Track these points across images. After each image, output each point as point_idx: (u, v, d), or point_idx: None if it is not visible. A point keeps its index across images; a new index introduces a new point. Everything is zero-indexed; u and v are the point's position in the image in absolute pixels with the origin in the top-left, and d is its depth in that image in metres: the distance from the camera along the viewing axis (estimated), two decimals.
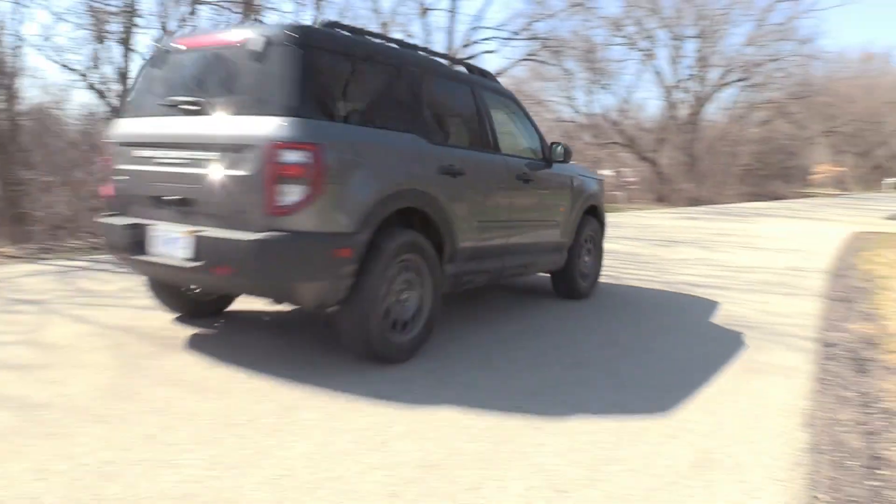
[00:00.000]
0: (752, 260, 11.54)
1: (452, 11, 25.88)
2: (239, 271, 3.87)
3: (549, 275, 7.23)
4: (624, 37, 36.01)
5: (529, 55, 28.12)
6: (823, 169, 64.40)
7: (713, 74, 38.98)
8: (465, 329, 5.86)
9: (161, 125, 4.28)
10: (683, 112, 38.61)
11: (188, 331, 5.24)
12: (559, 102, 38.05)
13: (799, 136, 50.33)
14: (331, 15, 23.15)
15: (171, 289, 5.20)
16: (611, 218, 21.67)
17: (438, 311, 4.90)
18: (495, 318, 6.43)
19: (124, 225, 4.35)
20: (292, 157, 3.72)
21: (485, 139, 5.56)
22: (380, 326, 4.32)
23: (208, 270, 3.95)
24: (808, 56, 41.00)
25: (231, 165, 3.87)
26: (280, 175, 3.73)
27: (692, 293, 8.15)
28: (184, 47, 4.42)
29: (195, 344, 4.93)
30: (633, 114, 41.42)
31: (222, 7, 14.39)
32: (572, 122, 37.92)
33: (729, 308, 7.28)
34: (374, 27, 23.38)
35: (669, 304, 7.61)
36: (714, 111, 44.11)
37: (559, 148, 6.41)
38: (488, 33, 30.30)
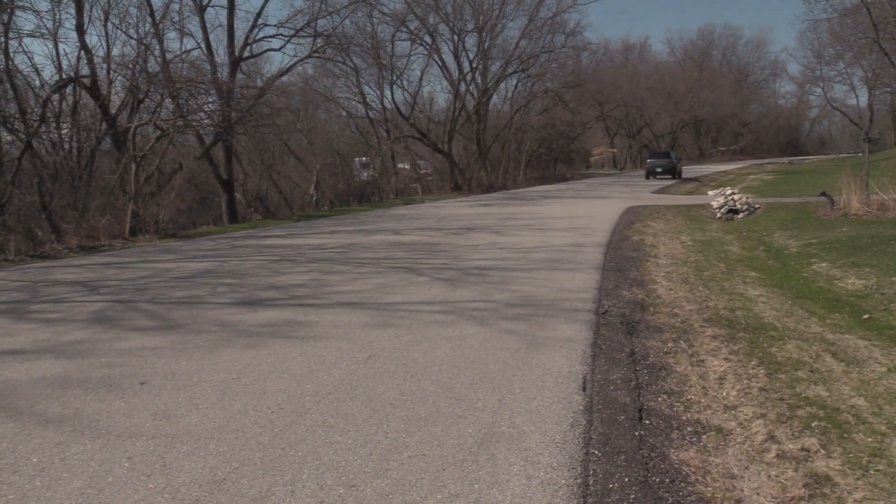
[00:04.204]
0: (539, 240, 12.20)
1: (231, 8, 24.91)
2: (668, 170, 40.20)
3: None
4: (408, 32, 36.64)
5: (315, 52, 27.75)
6: (600, 151, 70.28)
7: (494, 67, 40.98)
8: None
9: (655, 161, 42.07)
10: (470, 104, 40.17)
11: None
12: (351, 98, 38.03)
13: (576, 121, 54.38)
14: (98, 10, 21.36)
15: (653, 174, 41.12)
16: (409, 211, 22.19)
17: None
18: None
19: (649, 170, 41.62)
20: (672, 160, 41.14)
21: (676, 158, 43.18)
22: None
23: (662, 172, 40.57)
24: (577, 47, 44.48)
25: (666, 164, 40.60)
26: (671, 163, 40.57)
27: (483, 276, 8.42)
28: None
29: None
30: (423, 107, 42.44)
31: None
32: (365, 117, 38.07)
33: (516, 287, 7.60)
34: (147, 24, 21.85)
35: (462, 288, 7.79)
36: (498, 101, 46.51)
37: (679, 159, 44.20)
38: (270, 31, 29.60)
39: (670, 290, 7.47)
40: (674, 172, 40.19)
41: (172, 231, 18.13)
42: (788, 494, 3.00)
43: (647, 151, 66.20)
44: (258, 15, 25.54)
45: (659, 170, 40.51)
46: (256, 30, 25.70)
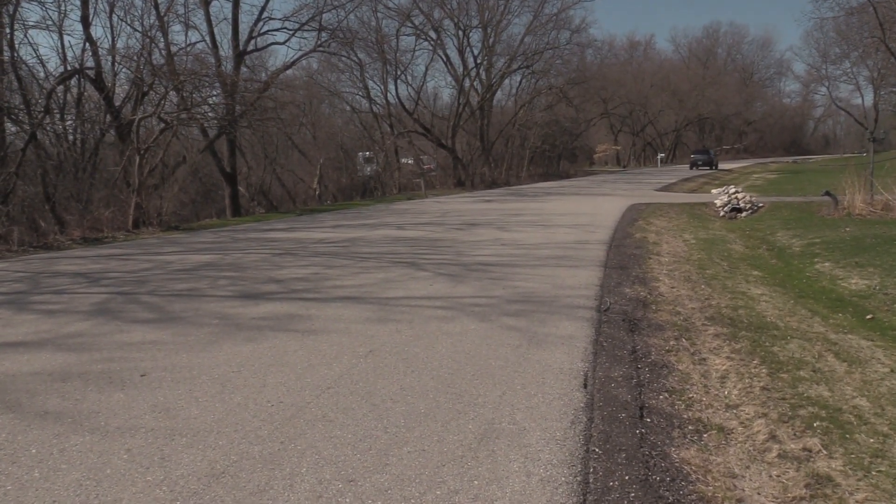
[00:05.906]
0: (541, 237, 12.18)
1: (236, 1, 24.87)
2: (707, 162, 51.79)
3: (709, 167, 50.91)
4: (413, 27, 36.56)
5: (319, 46, 27.70)
6: (604, 148, 70.12)
7: (499, 63, 40.87)
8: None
9: (697, 156, 53.72)
10: (474, 99, 40.09)
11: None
12: (355, 93, 37.98)
13: (579, 118, 54.26)
14: (103, 2, 21.32)
15: (695, 165, 51.78)
16: (411, 206, 22.16)
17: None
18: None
19: (693, 163, 52.96)
20: (710, 156, 52.82)
21: (713, 154, 54.18)
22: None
23: (702, 164, 52.00)
24: (581, 44, 44.35)
25: (706, 158, 52.15)
26: (709, 158, 52.16)
27: (485, 272, 8.40)
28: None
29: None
30: (427, 103, 42.38)
31: None
32: (369, 112, 38.01)
33: (518, 284, 7.58)
34: (152, 17, 21.81)
35: (465, 284, 7.77)
36: (502, 98, 46.41)
37: (715, 154, 56.04)
38: (275, 24, 29.61)
39: (673, 287, 7.45)
40: (711, 164, 52.14)
41: (175, 223, 18.12)
42: (790, 494, 2.99)
43: (652, 149, 67.37)
44: (263, 8, 25.55)
45: (700, 162, 52.14)
46: (261, 23, 25.70)
